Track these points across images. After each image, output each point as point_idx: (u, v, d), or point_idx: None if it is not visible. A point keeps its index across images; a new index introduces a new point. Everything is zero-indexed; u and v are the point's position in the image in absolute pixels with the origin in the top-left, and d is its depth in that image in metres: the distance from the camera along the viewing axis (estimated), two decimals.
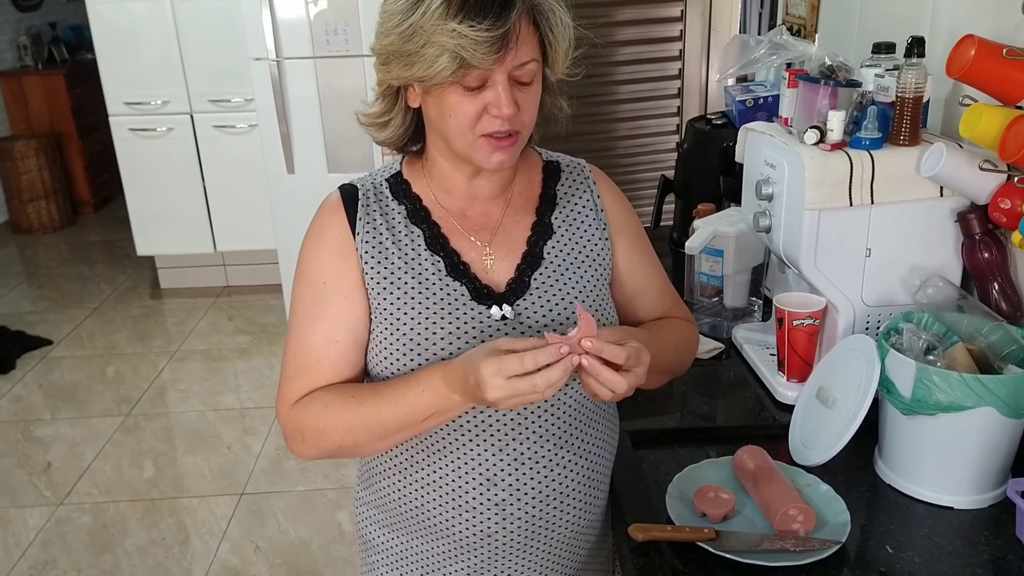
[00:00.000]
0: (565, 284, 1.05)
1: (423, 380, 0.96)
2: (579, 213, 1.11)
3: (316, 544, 2.55)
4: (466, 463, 1.02)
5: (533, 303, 1.03)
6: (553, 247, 1.07)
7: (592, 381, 0.90)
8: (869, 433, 1.13)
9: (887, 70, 1.27)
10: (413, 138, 1.07)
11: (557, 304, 1.04)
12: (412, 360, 0.99)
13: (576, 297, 1.05)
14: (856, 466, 1.16)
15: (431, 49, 0.91)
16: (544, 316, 1.03)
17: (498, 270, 1.05)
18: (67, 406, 3.37)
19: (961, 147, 1.18)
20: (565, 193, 1.11)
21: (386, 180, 1.09)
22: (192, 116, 4.07)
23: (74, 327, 4.04)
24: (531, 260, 1.06)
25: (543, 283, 1.05)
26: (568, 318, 1.03)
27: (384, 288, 1.02)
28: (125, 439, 3.12)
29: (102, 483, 2.87)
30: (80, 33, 5.91)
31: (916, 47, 1.19)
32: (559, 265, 1.06)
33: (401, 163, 1.10)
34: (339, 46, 3.37)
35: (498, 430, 1.01)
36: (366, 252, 1.03)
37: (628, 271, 1.14)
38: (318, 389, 1.03)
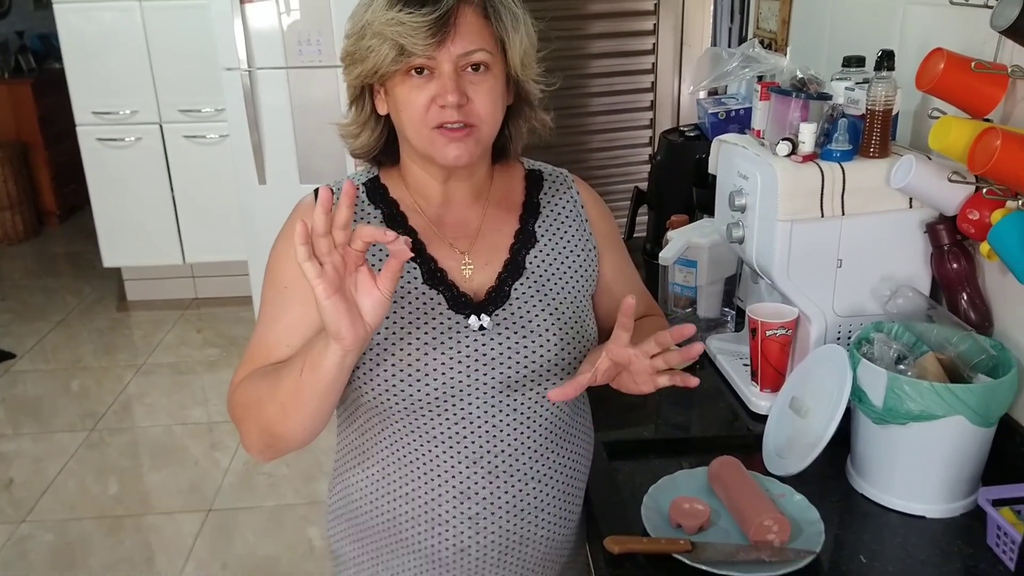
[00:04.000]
0: (546, 295, 1.05)
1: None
2: (563, 222, 1.10)
3: (286, 560, 2.51)
4: (439, 475, 1.01)
5: (512, 313, 1.02)
6: (536, 256, 1.07)
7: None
8: (841, 443, 1.13)
9: (857, 83, 1.28)
10: (385, 150, 1.07)
11: (538, 315, 1.03)
12: (385, 371, 0.98)
13: (557, 308, 1.04)
14: (829, 475, 1.16)
15: (375, 40, 0.94)
16: (524, 327, 1.01)
17: (478, 279, 1.04)
18: (30, 421, 3.29)
19: (930, 159, 1.19)
20: (548, 202, 1.11)
21: (363, 184, 1.08)
22: (161, 126, 4.01)
23: (38, 340, 3.96)
24: (512, 269, 1.05)
25: (524, 293, 1.04)
26: (548, 329, 1.02)
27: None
28: (89, 455, 3.05)
29: (65, 500, 2.80)
30: (48, 42, 5.82)
31: (886, 60, 1.21)
32: (541, 275, 1.06)
33: (379, 168, 1.10)
34: (312, 56, 3.35)
35: (472, 442, 1.00)
36: None
37: (613, 279, 1.14)
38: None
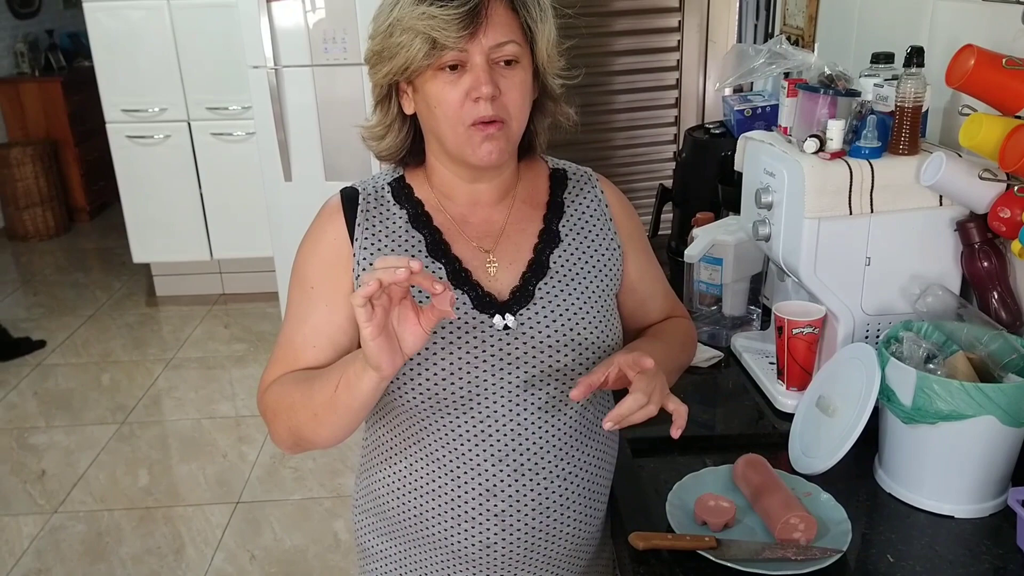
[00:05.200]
0: (570, 295, 1.05)
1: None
2: (587, 222, 1.10)
3: (312, 553, 2.54)
4: (466, 472, 1.01)
5: (537, 313, 1.02)
6: (560, 256, 1.07)
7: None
8: (869, 442, 1.13)
9: (886, 80, 1.27)
10: (411, 151, 1.08)
11: (562, 315, 1.03)
12: (412, 369, 0.99)
13: (581, 307, 1.04)
14: (856, 475, 1.16)
15: (406, 36, 0.95)
16: (548, 327, 1.02)
17: (502, 278, 1.04)
18: (62, 414, 3.35)
19: (960, 156, 1.18)
20: (572, 201, 1.11)
21: (388, 184, 1.09)
22: (189, 123, 4.07)
23: (69, 334, 4.02)
24: (536, 269, 1.05)
25: (548, 292, 1.04)
26: (572, 328, 1.03)
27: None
28: (120, 447, 3.11)
29: (96, 491, 2.85)
30: (77, 40, 5.92)
31: (915, 57, 1.20)
32: (565, 275, 1.06)
33: (404, 168, 1.11)
34: (337, 55, 3.38)
35: (498, 440, 1.01)
36: (364, 258, 1.03)
37: (638, 279, 1.14)
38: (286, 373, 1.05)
